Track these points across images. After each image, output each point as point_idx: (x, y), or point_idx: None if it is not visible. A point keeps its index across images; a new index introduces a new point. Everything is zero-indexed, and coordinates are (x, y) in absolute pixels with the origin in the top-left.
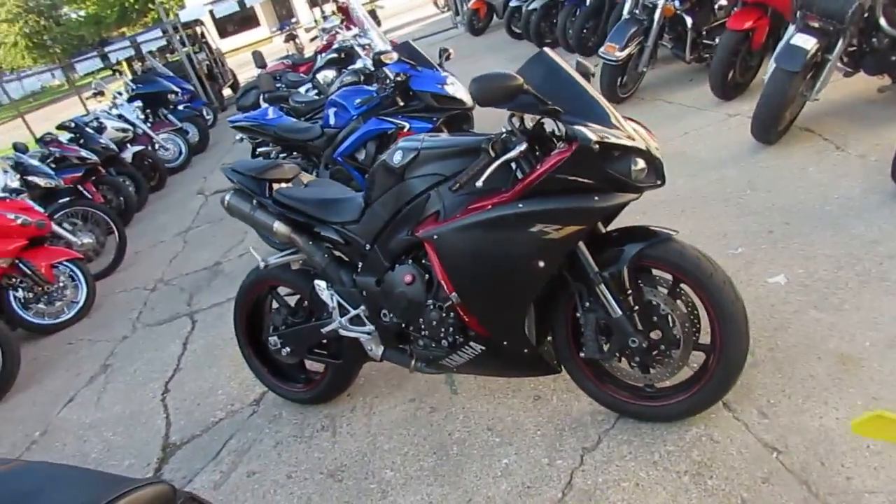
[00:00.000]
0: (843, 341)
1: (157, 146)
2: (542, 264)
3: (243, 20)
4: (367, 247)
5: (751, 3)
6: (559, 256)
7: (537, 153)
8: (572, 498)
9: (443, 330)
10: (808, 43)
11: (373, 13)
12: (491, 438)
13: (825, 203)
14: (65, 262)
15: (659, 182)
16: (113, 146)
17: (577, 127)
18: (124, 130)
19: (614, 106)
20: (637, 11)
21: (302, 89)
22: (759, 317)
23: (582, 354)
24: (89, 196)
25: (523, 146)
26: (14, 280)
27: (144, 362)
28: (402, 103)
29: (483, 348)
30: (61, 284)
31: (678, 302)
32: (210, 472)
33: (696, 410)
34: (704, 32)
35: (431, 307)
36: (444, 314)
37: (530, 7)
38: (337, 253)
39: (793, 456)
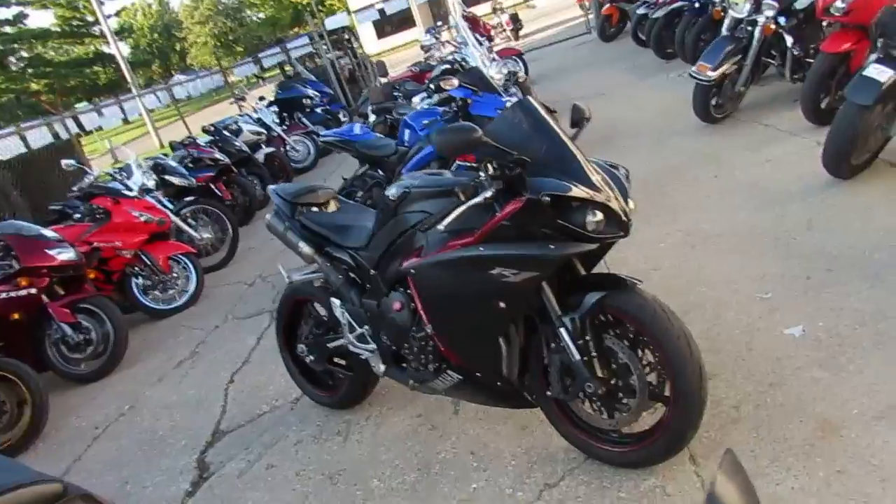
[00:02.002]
0: (831, 406)
1: (288, 148)
2: (502, 305)
3: (401, 21)
4: (372, 272)
5: (851, 24)
6: (520, 299)
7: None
8: None
9: (423, 357)
10: (883, 75)
11: (515, 17)
12: (470, 462)
13: (877, 250)
14: (180, 256)
15: (621, 233)
16: (245, 148)
17: (534, 179)
18: (258, 133)
19: (708, 126)
20: (738, 29)
21: (417, 98)
22: (760, 370)
23: (549, 393)
24: (219, 194)
25: (489, 193)
26: (136, 269)
27: (224, 352)
28: None
29: (460, 377)
30: (175, 275)
31: (646, 351)
32: (239, 460)
33: (655, 461)
34: (812, 50)
35: (414, 335)
36: (424, 342)
37: (654, 16)
38: (352, 274)
39: None
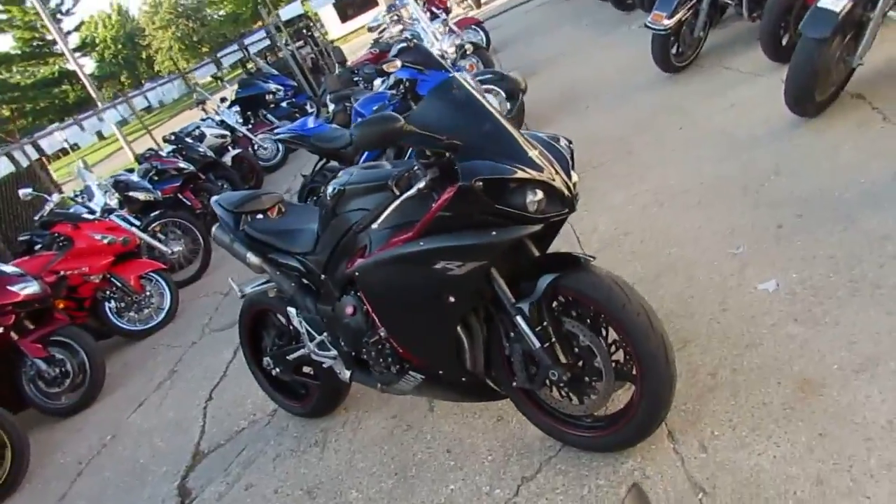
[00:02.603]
0: (810, 363)
1: (256, 147)
2: (452, 300)
3: (364, 2)
4: (322, 276)
5: None
6: (469, 291)
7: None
8: None
9: (382, 360)
10: (838, 4)
11: None
12: (446, 462)
13: (847, 190)
14: (151, 273)
15: (566, 210)
16: (210, 154)
17: (463, 164)
18: (222, 136)
19: (671, 77)
20: None
21: (377, 82)
22: (735, 331)
23: (515, 383)
24: (189, 203)
25: (422, 183)
26: (108, 292)
27: (202, 369)
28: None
29: (423, 377)
30: (149, 293)
31: (609, 330)
32: (219, 483)
33: (631, 443)
34: None
35: (369, 339)
36: (380, 346)
37: None
38: (304, 280)
39: (717, 500)
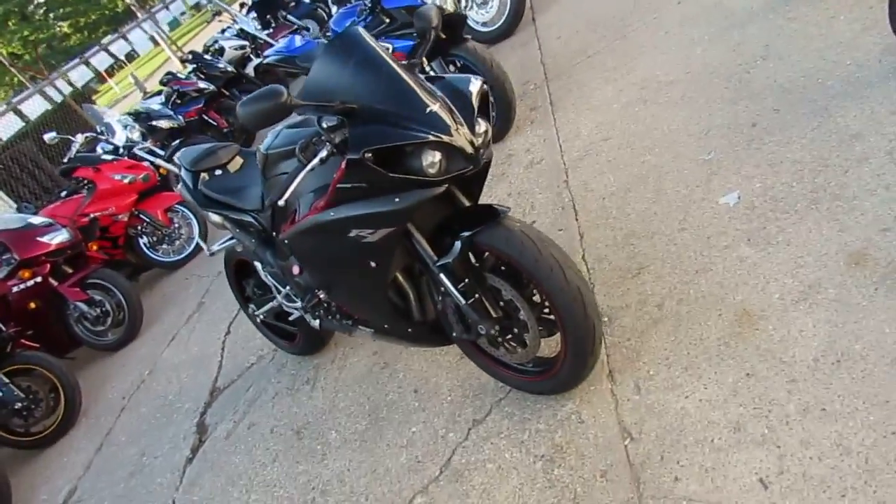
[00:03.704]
0: (753, 291)
1: None
2: (373, 264)
3: None
4: (274, 234)
5: None
6: (387, 256)
7: None
8: (445, 477)
9: (330, 315)
10: None
11: None
12: (412, 402)
13: (831, 74)
14: (178, 206)
15: (470, 167)
16: (231, 68)
17: (355, 131)
18: (241, 47)
19: None
20: None
21: None
22: (689, 254)
23: (454, 334)
24: (215, 122)
25: (324, 153)
26: (139, 228)
27: (223, 301)
28: (387, 21)
29: (371, 329)
30: (177, 225)
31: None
32: (228, 421)
33: (567, 387)
34: None
35: (309, 301)
36: (327, 304)
37: None
38: (264, 235)
39: (640, 445)
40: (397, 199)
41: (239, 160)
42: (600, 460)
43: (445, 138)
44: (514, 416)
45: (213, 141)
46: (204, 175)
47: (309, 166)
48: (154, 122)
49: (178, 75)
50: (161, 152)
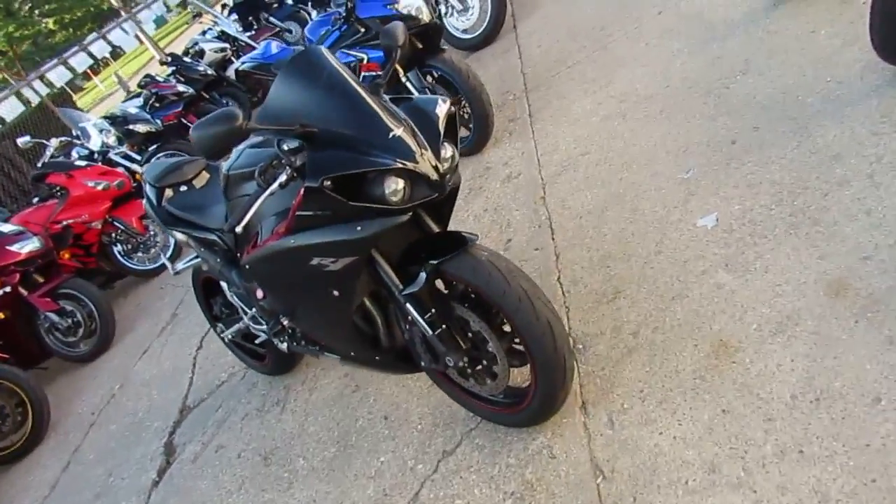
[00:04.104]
0: (731, 321)
1: None
2: (336, 293)
3: None
4: (238, 255)
5: None
6: (350, 285)
7: None
8: None
9: (295, 342)
10: None
11: None
12: (382, 430)
13: (811, 92)
14: None
15: (434, 194)
16: (210, 71)
17: (315, 157)
18: (222, 50)
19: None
20: None
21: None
22: (665, 279)
23: (422, 363)
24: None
25: (283, 177)
26: (113, 236)
27: (197, 313)
28: (362, 31)
29: (338, 356)
30: (152, 233)
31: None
32: (196, 442)
33: (537, 421)
34: None
35: (272, 327)
36: (291, 329)
37: None
38: (230, 255)
39: (613, 485)
40: (359, 228)
41: (205, 175)
42: (571, 500)
43: (409, 165)
44: (485, 448)
45: (188, 145)
46: (168, 191)
47: (267, 192)
48: (131, 126)
49: (157, 78)
50: (137, 157)
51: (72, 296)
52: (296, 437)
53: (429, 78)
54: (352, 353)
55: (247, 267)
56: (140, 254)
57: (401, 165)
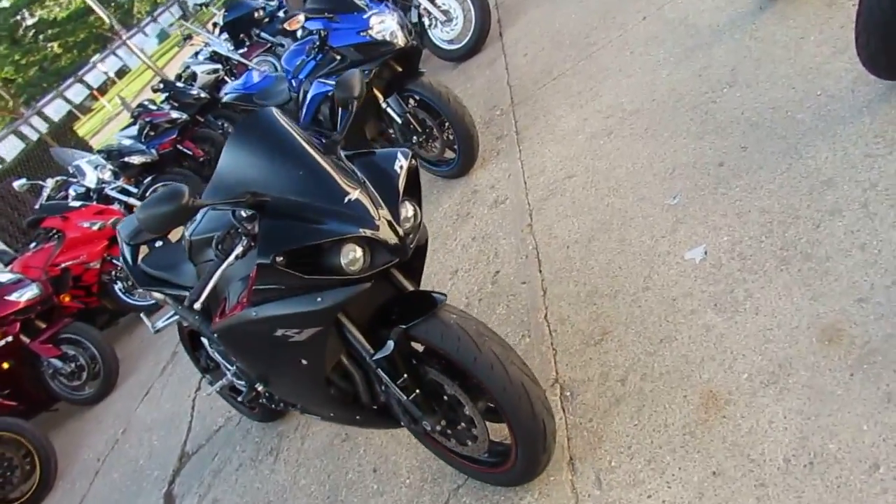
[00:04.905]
0: (720, 369)
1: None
2: (305, 362)
3: None
4: (209, 319)
5: None
6: (318, 353)
7: None
8: None
9: (274, 404)
10: None
11: None
12: (371, 484)
13: (801, 107)
14: None
15: (395, 259)
16: (204, 94)
17: (267, 229)
18: (214, 71)
19: None
20: None
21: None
22: (653, 319)
23: (402, 424)
24: (190, 153)
25: (239, 248)
26: (112, 274)
27: None
28: (338, 59)
29: (318, 417)
30: None
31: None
32: (193, 495)
33: (521, 482)
34: None
35: (246, 395)
36: (268, 392)
37: None
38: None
39: None
40: (319, 299)
41: (181, 229)
42: None
43: (367, 233)
44: None
45: (187, 174)
46: (144, 247)
47: (224, 264)
48: (126, 159)
49: (150, 107)
50: (134, 190)
51: (74, 340)
52: (287, 490)
53: (410, 102)
54: (331, 415)
55: (215, 335)
56: (140, 290)
57: (357, 234)
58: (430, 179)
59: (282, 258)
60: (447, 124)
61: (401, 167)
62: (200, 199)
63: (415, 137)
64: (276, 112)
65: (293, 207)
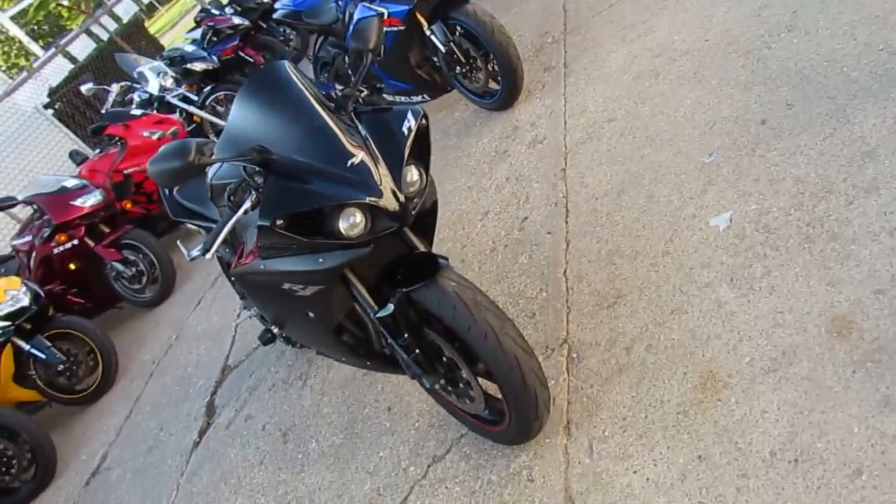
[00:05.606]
0: (724, 349)
1: None
2: (311, 315)
3: None
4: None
5: None
6: (324, 308)
7: None
8: None
9: (290, 344)
10: None
11: None
12: (384, 422)
13: (857, 64)
14: None
15: (395, 225)
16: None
17: (270, 190)
18: None
19: None
20: None
21: None
22: (668, 288)
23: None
24: (251, 59)
25: (248, 203)
26: None
27: None
28: None
29: (333, 359)
30: None
31: None
32: (230, 409)
33: (515, 443)
34: None
35: (264, 335)
36: (283, 336)
37: None
38: None
39: None
40: (321, 260)
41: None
42: None
43: (367, 199)
44: (471, 459)
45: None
46: None
47: (235, 217)
48: (188, 65)
49: (213, 11)
50: (195, 97)
51: (134, 246)
52: (311, 417)
53: (456, 32)
54: (343, 359)
55: (233, 278)
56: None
57: (358, 199)
58: (474, 111)
59: (282, 221)
60: (491, 55)
61: (409, 129)
62: (212, 152)
63: (458, 68)
64: (288, 66)
65: (297, 168)
